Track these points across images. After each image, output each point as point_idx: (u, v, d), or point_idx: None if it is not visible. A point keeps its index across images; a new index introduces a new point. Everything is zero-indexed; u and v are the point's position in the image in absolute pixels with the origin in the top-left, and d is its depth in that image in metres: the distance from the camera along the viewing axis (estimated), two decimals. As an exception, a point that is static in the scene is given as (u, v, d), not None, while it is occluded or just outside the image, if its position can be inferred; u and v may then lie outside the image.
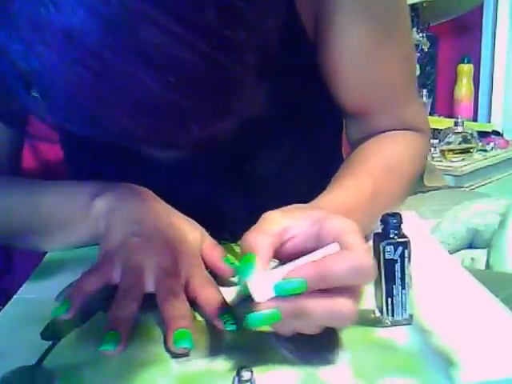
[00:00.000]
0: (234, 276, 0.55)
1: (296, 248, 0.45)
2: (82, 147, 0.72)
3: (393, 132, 0.69)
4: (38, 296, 0.56)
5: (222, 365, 0.43)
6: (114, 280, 0.52)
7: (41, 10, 0.27)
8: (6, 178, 0.71)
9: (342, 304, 0.40)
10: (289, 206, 0.48)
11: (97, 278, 0.51)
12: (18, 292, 0.58)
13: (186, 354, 0.45)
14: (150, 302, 0.50)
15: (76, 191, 0.64)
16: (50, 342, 0.47)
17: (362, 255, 0.41)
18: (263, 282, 0.41)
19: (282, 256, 0.45)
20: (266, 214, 0.46)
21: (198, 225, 0.60)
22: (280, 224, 0.45)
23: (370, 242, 0.47)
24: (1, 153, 0.72)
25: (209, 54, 0.30)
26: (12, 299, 0.56)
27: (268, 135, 0.65)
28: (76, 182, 0.65)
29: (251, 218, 0.47)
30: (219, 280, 0.55)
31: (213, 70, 0.31)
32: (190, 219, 0.61)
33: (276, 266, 0.44)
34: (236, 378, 0.39)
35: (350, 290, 0.41)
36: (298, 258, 0.43)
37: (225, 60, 0.31)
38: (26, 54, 0.28)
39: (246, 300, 0.41)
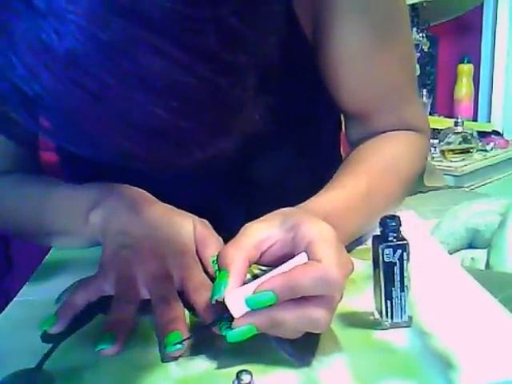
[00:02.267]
0: None
1: (274, 255, 0.46)
2: (78, 156, 0.72)
3: (393, 132, 0.69)
4: (39, 298, 0.56)
5: (222, 368, 0.43)
6: (108, 292, 0.52)
7: (42, 36, 0.27)
8: (21, 176, 0.72)
9: (311, 312, 0.41)
10: (272, 213, 0.48)
11: (88, 292, 0.51)
12: (19, 294, 0.58)
13: (180, 355, 0.45)
14: (150, 305, 0.50)
15: (76, 199, 0.64)
16: (51, 345, 0.47)
17: (327, 267, 0.41)
18: (237, 297, 0.42)
19: (264, 264, 0.47)
20: (245, 225, 0.47)
21: (191, 217, 0.60)
22: (257, 237, 0.46)
23: (369, 243, 0.47)
24: (16, 153, 0.73)
25: (210, 78, 0.30)
26: (12, 301, 0.56)
27: (266, 140, 0.65)
28: (78, 188, 0.65)
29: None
30: None
31: (214, 93, 0.31)
32: (183, 213, 0.60)
33: (251, 279, 0.44)
34: (236, 381, 0.39)
35: (322, 298, 0.42)
36: (279, 263, 0.44)
37: (226, 83, 0.31)
38: (26, 78, 0.28)
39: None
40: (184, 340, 0.45)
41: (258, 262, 0.47)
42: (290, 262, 0.43)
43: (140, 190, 0.62)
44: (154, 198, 0.62)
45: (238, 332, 0.42)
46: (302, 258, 0.43)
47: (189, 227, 0.58)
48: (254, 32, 0.31)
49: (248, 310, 0.42)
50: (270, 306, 0.41)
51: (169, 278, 0.52)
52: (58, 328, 0.48)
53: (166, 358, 0.45)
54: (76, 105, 0.29)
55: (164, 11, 0.27)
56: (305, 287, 0.41)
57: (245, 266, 0.44)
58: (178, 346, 0.44)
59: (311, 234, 0.44)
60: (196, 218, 0.60)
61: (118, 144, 0.31)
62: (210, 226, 0.59)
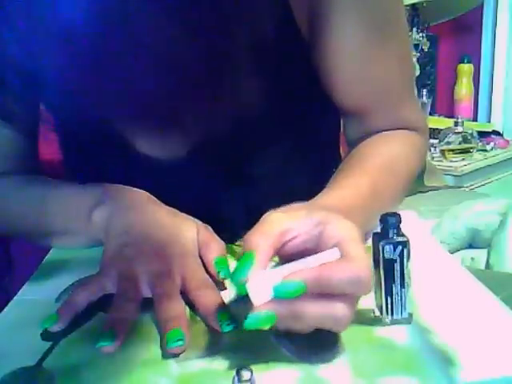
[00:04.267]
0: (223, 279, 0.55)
1: (297, 248, 0.45)
2: (81, 151, 0.72)
3: (390, 131, 0.69)
4: (39, 297, 0.56)
5: (222, 365, 0.43)
6: (110, 290, 0.52)
7: (39, 6, 0.27)
8: (20, 177, 0.72)
9: (336, 308, 0.41)
10: (290, 206, 0.48)
11: (90, 291, 0.51)
12: (19, 293, 0.58)
13: (181, 352, 0.45)
14: (150, 303, 0.50)
15: (78, 198, 0.64)
16: (50, 343, 0.47)
17: (361, 267, 0.41)
18: (261, 282, 0.41)
19: (283, 256, 0.46)
20: (267, 214, 0.46)
21: (195, 221, 0.60)
22: (281, 225, 0.45)
23: (370, 242, 0.47)
24: (16, 153, 0.73)
25: (204, 48, 0.30)
26: (12, 300, 0.56)
27: (265, 136, 0.65)
28: (80, 188, 0.66)
29: (251, 219, 0.47)
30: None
31: (211, 67, 0.31)
32: (186, 216, 0.60)
33: (275, 267, 0.44)
34: (236, 378, 0.39)
35: (347, 297, 0.41)
36: (298, 257, 0.43)
37: (218, 50, 0.31)
38: (23, 45, 0.28)
39: (240, 300, 0.41)
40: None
41: (278, 254, 0.46)
42: (321, 255, 0.42)
43: (144, 191, 0.62)
44: (155, 199, 0.62)
45: (258, 317, 0.41)
46: (334, 254, 0.42)
47: (192, 231, 0.58)
48: (249, 5, 0.31)
49: (270, 297, 0.40)
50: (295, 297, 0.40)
51: (171, 277, 0.52)
52: (59, 326, 0.48)
53: (166, 355, 0.45)
54: (71, 71, 0.29)
55: None
56: (337, 285, 0.40)
57: (270, 252, 0.43)
58: (180, 342, 0.44)
59: (342, 233, 0.43)
60: (199, 222, 0.60)
61: (111, 108, 0.31)
62: (212, 231, 0.59)
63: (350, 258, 0.41)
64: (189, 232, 0.58)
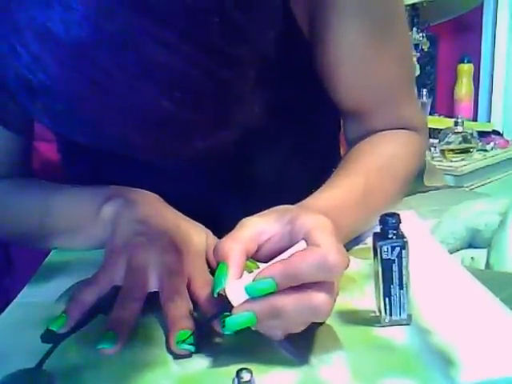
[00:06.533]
0: None
1: (272, 249, 0.46)
2: (79, 151, 0.72)
3: (390, 131, 0.70)
4: (39, 299, 0.56)
5: (222, 366, 0.43)
6: (117, 283, 0.52)
7: (48, 25, 0.27)
8: (18, 180, 0.72)
9: (313, 298, 0.41)
10: (268, 210, 0.49)
11: (98, 286, 0.51)
12: (19, 296, 0.58)
13: (187, 356, 0.45)
14: (151, 303, 0.50)
15: (86, 196, 0.64)
16: (50, 345, 0.47)
17: (326, 251, 0.41)
18: (237, 286, 0.42)
19: (261, 258, 0.47)
20: (243, 220, 0.47)
21: (204, 228, 0.61)
22: (253, 229, 0.46)
23: (369, 242, 0.47)
24: (12, 158, 0.72)
25: (212, 69, 0.30)
26: (12, 303, 0.56)
27: (266, 139, 0.65)
28: (87, 187, 0.66)
29: None
30: None
31: (215, 84, 0.31)
32: (196, 223, 0.61)
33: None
34: (236, 380, 0.39)
35: (322, 285, 0.41)
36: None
37: (227, 75, 0.31)
38: (31, 66, 0.29)
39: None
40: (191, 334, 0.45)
41: (255, 258, 0.47)
42: (289, 250, 0.43)
43: (153, 193, 0.63)
44: (166, 203, 0.62)
45: (237, 320, 0.42)
46: (300, 246, 0.43)
47: (203, 236, 0.59)
48: (254, 25, 0.32)
49: (246, 298, 0.41)
50: (271, 294, 0.41)
51: (182, 274, 0.52)
52: (68, 328, 0.48)
53: (173, 355, 0.45)
54: (79, 94, 0.30)
55: (169, 3, 0.28)
56: (305, 273, 0.40)
57: (243, 257, 0.44)
58: (191, 347, 0.44)
59: (309, 224, 0.44)
60: (210, 234, 0.61)
61: (120, 132, 0.32)
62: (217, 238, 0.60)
63: (316, 245, 0.42)
64: (200, 236, 0.59)
